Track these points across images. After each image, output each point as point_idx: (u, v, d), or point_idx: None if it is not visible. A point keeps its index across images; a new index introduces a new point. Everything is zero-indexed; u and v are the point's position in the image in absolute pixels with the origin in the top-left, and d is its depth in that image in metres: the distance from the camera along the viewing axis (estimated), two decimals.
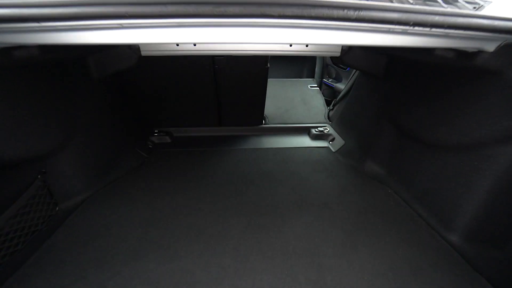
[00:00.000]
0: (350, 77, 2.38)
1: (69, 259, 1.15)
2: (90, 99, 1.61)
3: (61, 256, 1.17)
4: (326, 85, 3.40)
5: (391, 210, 1.47)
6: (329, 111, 2.73)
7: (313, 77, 3.65)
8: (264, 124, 2.49)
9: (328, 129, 2.41)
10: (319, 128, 2.41)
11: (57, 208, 1.49)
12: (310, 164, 1.94)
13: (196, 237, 1.26)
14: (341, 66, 3.13)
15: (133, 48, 1.61)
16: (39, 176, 1.38)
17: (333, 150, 2.15)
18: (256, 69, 2.00)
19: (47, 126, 1.30)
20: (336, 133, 2.33)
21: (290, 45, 1.69)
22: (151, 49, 1.64)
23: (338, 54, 1.73)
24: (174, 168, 1.86)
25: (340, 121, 2.38)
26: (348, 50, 1.69)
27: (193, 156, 2.03)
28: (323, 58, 3.47)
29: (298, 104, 2.82)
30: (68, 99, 1.44)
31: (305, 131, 2.47)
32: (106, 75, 1.64)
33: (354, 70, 2.33)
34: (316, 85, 3.15)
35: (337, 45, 1.68)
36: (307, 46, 1.68)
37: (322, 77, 3.56)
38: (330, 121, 2.58)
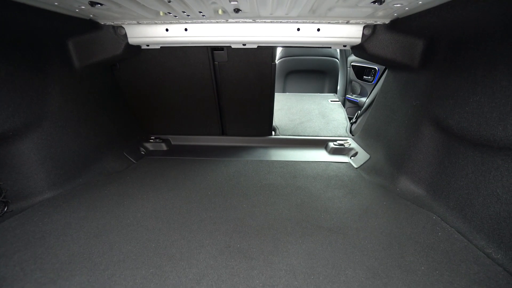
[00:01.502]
0: (377, 83, 2.02)
1: None
2: (68, 88, 1.44)
3: None
4: (351, 101, 3.04)
5: (440, 244, 0.99)
6: (351, 125, 2.33)
7: (335, 92, 3.32)
8: (274, 135, 2.16)
9: (349, 142, 2.00)
10: (339, 142, 2.01)
11: (5, 209, 1.24)
12: (324, 180, 1.52)
13: (147, 258, 0.90)
14: (366, 78, 2.79)
15: (118, 34, 1.46)
16: None
17: (355, 166, 1.72)
18: (262, 67, 1.74)
19: (2, 100, 1.11)
20: (359, 147, 1.91)
21: (298, 29, 1.41)
22: (138, 35, 1.47)
23: (358, 41, 1.41)
24: (159, 175, 1.57)
25: (364, 133, 1.96)
26: (371, 34, 1.37)
27: (185, 165, 1.73)
28: (346, 73, 3.16)
29: (315, 117, 2.47)
30: (35, 80, 1.27)
31: (322, 144, 2.08)
32: (90, 63, 1.49)
33: (380, 75, 1.97)
34: (337, 99, 2.80)
35: (357, 29, 1.37)
36: (318, 30, 1.40)
37: (345, 93, 3.23)
38: (352, 135, 2.17)
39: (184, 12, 1.22)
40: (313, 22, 1.37)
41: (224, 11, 1.24)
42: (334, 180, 1.52)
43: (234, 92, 1.88)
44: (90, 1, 1.04)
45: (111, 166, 1.65)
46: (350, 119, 2.49)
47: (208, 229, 1.06)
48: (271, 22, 1.39)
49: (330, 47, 1.58)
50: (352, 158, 1.86)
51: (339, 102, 2.73)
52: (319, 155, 1.92)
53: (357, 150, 1.89)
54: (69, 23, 1.27)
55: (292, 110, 2.58)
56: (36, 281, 0.80)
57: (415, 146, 1.36)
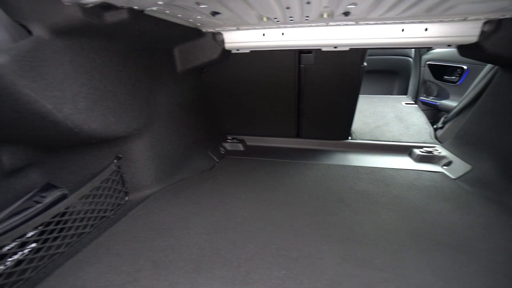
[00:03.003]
0: (475, 85, 1.82)
1: (125, 254, 0.96)
2: (171, 91, 1.56)
3: (118, 248, 1.00)
4: (425, 103, 2.81)
5: None
6: (435, 130, 2.15)
7: (405, 94, 3.10)
8: (351, 139, 2.09)
9: (439, 150, 1.84)
10: (426, 149, 1.86)
11: (126, 198, 1.40)
12: (420, 190, 1.42)
13: (274, 259, 0.93)
14: (447, 79, 2.54)
15: (217, 40, 1.53)
16: (115, 161, 1.33)
17: (453, 177, 1.57)
18: (349, 69, 1.69)
19: (129, 107, 1.24)
20: (453, 156, 1.74)
21: (402, 30, 1.34)
22: (235, 40, 1.53)
23: (472, 39, 1.28)
24: (246, 175, 1.62)
25: (459, 141, 1.79)
26: (493, 30, 1.23)
27: (268, 166, 1.77)
28: (419, 73, 2.93)
29: (391, 120, 2.33)
30: (151, 85, 1.40)
31: (405, 151, 1.95)
32: (188, 68, 1.60)
33: (483, 74, 1.77)
34: (413, 102, 2.61)
35: (474, 25, 1.25)
36: (426, 30, 1.30)
37: (417, 95, 2.99)
38: (439, 141, 2.00)
39: (291, 17, 1.24)
40: (421, 22, 1.29)
41: (329, 14, 1.23)
42: (433, 191, 1.41)
43: (316, 95, 1.86)
44: (213, 12, 1.11)
45: (199, 164, 1.76)
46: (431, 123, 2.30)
47: (319, 234, 1.06)
48: (375, 23, 1.34)
49: (432, 48, 1.47)
50: (444, 167, 1.71)
51: (416, 105, 2.54)
52: (404, 162, 1.81)
53: (450, 158, 1.73)
54: (181, 32, 1.37)
55: (365, 113, 2.47)
56: (182, 269, 0.88)
57: None
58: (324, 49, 1.58)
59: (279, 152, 2.04)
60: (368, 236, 1.05)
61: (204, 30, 1.51)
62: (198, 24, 1.41)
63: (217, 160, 1.88)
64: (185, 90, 1.70)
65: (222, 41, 1.54)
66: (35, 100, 0.83)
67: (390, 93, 3.22)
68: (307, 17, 1.23)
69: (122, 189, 1.39)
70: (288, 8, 1.07)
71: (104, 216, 1.27)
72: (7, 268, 0.89)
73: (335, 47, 1.55)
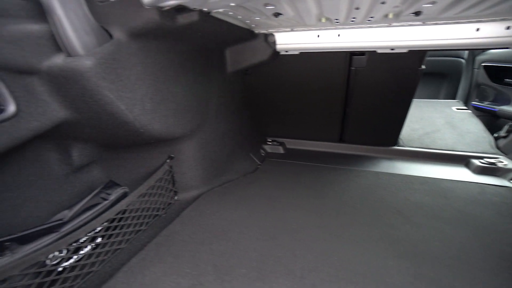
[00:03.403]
0: None
1: (186, 255, 0.97)
2: (220, 92, 1.57)
3: (177, 249, 1.01)
4: (479, 109, 2.59)
5: None
6: (496, 139, 1.97)
7: (453, 99, 2.88)
8: (398, 146, 1.97)
9: (504, 162, 1.68)
10: (488, 160, 1.70)
11: (175, 198, 1.42)
12: (488, 206, 1.30)
13: (338, 272, 0.88)
14: (509, 82, 2.32)
15: (269, 41, 1.51)
16: (167, 160, 1.35)
17: None
18: (405, 71, 1.59)
19: (186, 108, 1.26)
20: None
21: (477, 30, 1.22)
22: (287, 41, 1.50)
23: None
24: (292, 180, 1.59)
25: None
26: None
27: (312, 171, 1.72)
28: (471, 75, 2.70)
29: (442, 127, 2.17)
30: (205, 86, 1.41)
31: (460, 161, 1.80)
32: (238, 69, 1.59)
33: None
34: (465, 107, 2.41)
35: None
36: (508, 28, 1.18)
37: (467, 99, 2.76)
38: (503, 152, 1.82)
39: (354, 18, 1.18)
40: (503, 20, 1.17)
41: (395, 14, 1.15)
42: (503, 208, 1.28)
43: (364, 98, 1.78)
44: (276, 13, 1.09)
45: (243, 166, 1.75)
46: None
47: (382, 248, 1.00)
48: (445, 23, 1.24)
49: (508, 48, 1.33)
50: None
51: (469, 111, 2.34)
52: (462, 174, 1.67)
53: None
54: (237, 33, 1.37)
55: (411, 118, 2.32)
56: (245, 276, 0.86)
57: None
58: (379, 51, 1.50)
59: (321, 157, 1.98)
60: (438, 255, 0.97)
61: (256, 32, 1.50)
62: (253, 25, 1.39)
63: (259, 163, 1.87)
64: (232, 91, 1.70)
65: (274, 43, 1.51)
66: (112, 101, 0.85)
67: (436, 97, 3.01)
68: (372, 17, 1.17)
69: (172, 189, 1.42)
70: (357, 8, 1.02)
71: (157, 215, 1.30)
72: (80, 260, 0.93)
73: (392, 49, 1.47)
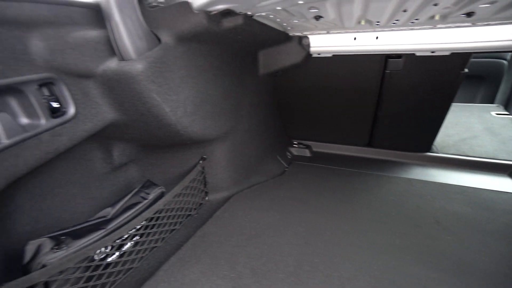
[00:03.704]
0: None
1: (223, 257, 0.98)
2: (252, 94, 1.57)
3: (213, 250, 1.02)
4: None
5: None
6: None
7: (491, 103, 2.71)
8: (431, 152, 1.89)
9: None
10: None
11: (206, 198, 1.45)
12: None
13: (378, 282, 0.86)
14: None
15: (303, 44, 1.49)
16: (200, 162, 1.37)
17: None
18: (444, 75, 1.51)
19: (222, 111, 1.27)
20: None
21: None
22: (322, 44, 1.47)
23: None
24: (322, 184, 1.57)
25: None
26: None
27: (341, 175, 1.69)
28: None
29: (480, 133, 2.05)
30: (239, 88, 1.42)
31: (503, 170, 1.69)
32: (270, 71, 1.59)
33: None
34: (507, 113, 2.27)
35: None
36: None
37: (508, 104, 2.59)
38: None
39: (397, 20, 1.14)
40: None
41: (443, 16, 1.10)
42: None
43: (398, 102, 1.71)
44: (317, 16, 1.07)
45: (271, 169, 1.75)
46: None
47: (423, 260, 0.96)
48: (497, 24, 1.16)
49: None
50: None
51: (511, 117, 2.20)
52: (505, 184, 1.56)
53: None
54: (273, 35, 1.36)
55: (445, 123, 2.20)
56: (283, 281, 0.86)
57: None
58: (418, 53, 1.44)
59: (349, 161, 1.93)
60: (487, 271, 0.91)
61: (291, 34, 1.49)
62: (288, 28, 1.38)
63: (286, 165, 1.86)
64: (262, 93, 1.71)
65: (308, 45, 1.49)
66: (158, 103, 0.88)
67: (472, 101, 2.85)
68: (416, 19, 1.12)
69: (203, 189, 1.44)
70: (405, 11, 0.98)
71: (190, 215, 1.33)
72: (121, 256, 0.97)
73: (433, 52, 1.40)
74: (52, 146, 0.71)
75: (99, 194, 1.19)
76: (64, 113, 0.75)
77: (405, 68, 1.57)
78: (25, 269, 0.76)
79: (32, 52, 0.67)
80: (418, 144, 1.87)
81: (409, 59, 1.52)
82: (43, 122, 0.70)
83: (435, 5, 0.91)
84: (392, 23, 1.21)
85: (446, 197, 1.42)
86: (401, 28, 1.30)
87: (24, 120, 0.67)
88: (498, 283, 0.87)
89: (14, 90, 0.65)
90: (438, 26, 1.24)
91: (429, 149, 1.89)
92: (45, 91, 0.70)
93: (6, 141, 0.62)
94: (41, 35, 0.68)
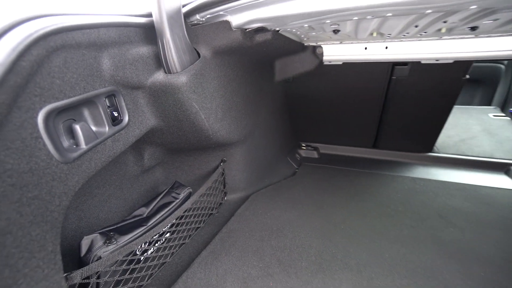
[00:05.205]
0: None
1: (250, 250, 1.08)
2: (268, 100, 1.67)
3: (241, 244, 1.13)
4: None
5: None
6: None
7: (488, 105, 2.84)
8: (433, 152, 2.00)
9: None
10: None
11: (225, 198, 1.54)
12: None
13: (392, 268, 0.97)
14: None
15: (317, 53, 1.59)
16: (221, 164, 1.47)
17: None
18: (447, 81, 1.62)
19: (244, 116, 1.37)
20: None
21: None
22: (334, 53, 1.57)
23: None
24: (331, 184, 1.67)
25: None
26: None
27: (349, 175, 1.79)
28: (511, 80, 2.66)
29: (479, 134, 2.17)
30: (257, 95, 1.51)
31: (500, 168, 1.82)
32: (285, 77, 1.68)
33: None
34: (504, 114, 2.39)
35: None
36: None
37: (504, 106, 2.72)
38: None
39: (407, 32, 1.24)
40: None
41: (449, 29, 1.20)
42: None
43: (403, 107, 1.82)
44: (335, 30, 1.17)
45: (282, 170, 1.85)
46: None
47: (430, 248, 1.07)
48: (499, 35, 1.26)
49: None
50: None
51: (508, 118, 2.32)
52: (502, 181, 1.68)
53: None
54: (291, 46, 1.45)
55: (446, 124, 2.32)
56: (307, 269, 0.96)
57: None
58: (424, 61, 1.54)
59: (355, 162, 2.04)
60: (487, 256, 1.03)
61: (306, 44, 1.58)
62: (305, 39, 1.48)
63: (296, 167, 1.95)
64: (276, 98, 1.80)
65: (321, 54, 1.59)
66: (196, 111, 0.97)
67: (470, 103, 2.97)
68: (425, 32, 1.22)
69: (223, 190, 1.54)
70: (416, 26, 1.08)
71: (211, 213, 1.42)
72: (158, 251, 1.06)
73: (437, 60, 1.51)
74: (112, 150, 0.81)
75: (129, 195, 1.28)
76: (121, 121, 0.85)
77: (410, 75, 1.67)
78: (82, 261, 0.85)
79: (102, 68, 0.77)
80: (420, 145, 1.99)
81: (415, 66, 1.63)
82: (107, 129, 0.80)
83: (445, 22, 1.01)
84: (402, 35, 1.31)
85: (448, 193, 1.54)
86: (410, 39, 1.40)
87: (94, 128, 0.77)
88: (498, 266, 0.98)
89: (90, 102, 0.76)
90: (444, 37, 1.34)
91: (431, 149, 2.00)
92: (107, 102, 0.80)
93: (84, 147, 0.73)
94: (109, 54, 0.78)
